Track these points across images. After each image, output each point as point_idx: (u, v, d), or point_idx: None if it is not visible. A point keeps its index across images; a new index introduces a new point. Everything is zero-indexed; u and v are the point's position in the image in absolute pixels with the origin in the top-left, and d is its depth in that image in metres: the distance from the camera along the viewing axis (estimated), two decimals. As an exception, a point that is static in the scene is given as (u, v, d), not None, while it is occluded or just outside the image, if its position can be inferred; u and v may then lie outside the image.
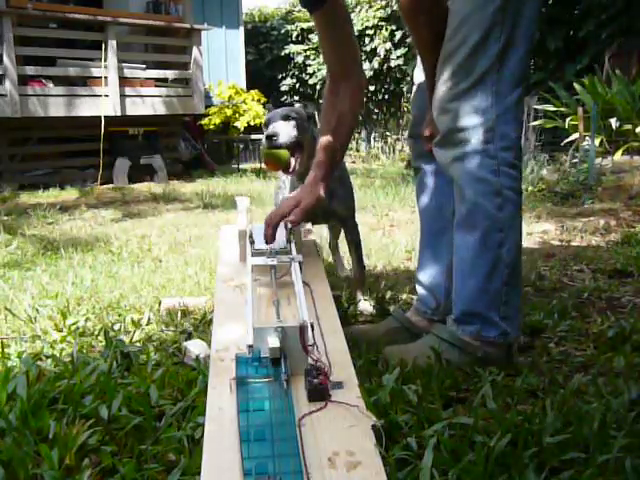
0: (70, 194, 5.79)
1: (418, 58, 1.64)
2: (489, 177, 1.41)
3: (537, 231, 3.38)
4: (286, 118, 1.80)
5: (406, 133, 11.02)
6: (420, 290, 1.73)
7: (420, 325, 1.69)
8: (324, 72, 10.80)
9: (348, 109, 1.60)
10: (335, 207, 1.90)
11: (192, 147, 7.81)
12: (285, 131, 1.77)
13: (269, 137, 1.75)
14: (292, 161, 1.77)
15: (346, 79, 1.61)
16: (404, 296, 2.13)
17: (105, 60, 6.42)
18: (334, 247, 2.47)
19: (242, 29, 9.28)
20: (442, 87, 1.44)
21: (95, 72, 6.44)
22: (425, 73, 1.57)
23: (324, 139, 1.57)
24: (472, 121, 1.40)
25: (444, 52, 1.43)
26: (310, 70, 11.10)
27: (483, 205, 1.42)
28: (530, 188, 4.79)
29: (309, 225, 1.73)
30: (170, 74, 7.11)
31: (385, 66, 10.20)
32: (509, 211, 1.42)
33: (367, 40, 10.20)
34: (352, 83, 1.62)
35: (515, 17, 1.36)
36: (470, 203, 1.43)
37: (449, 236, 1.58)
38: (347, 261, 2.54)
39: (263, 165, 1.69)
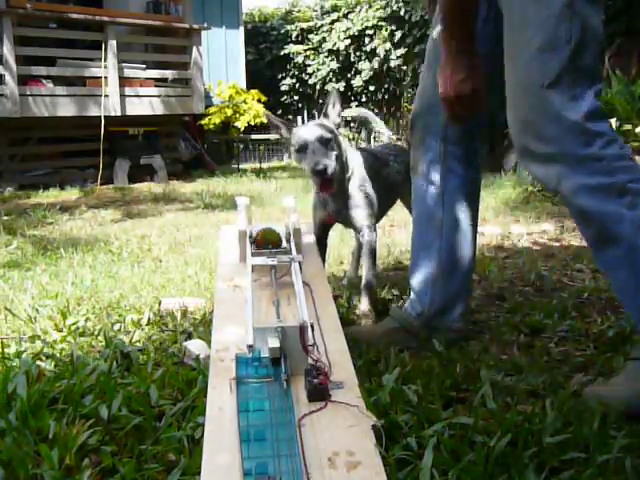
0: (70, 194, 5.79)
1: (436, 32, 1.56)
2: (605, 181, 1.24)
3: (537, 231, 3.38)
4: (326, 142, 1.74)
5: (406, 133, 11.03)
6: (411, 294, 1.74)
7: (417, 325, 1.69)
8: (324, 72, 10.82)
9: None
10: (351, 214, 1.90)
11: (192, 147, 7.81)
12: (331, 162, 1.72)
13: (319, 172, 1.69)
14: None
15: None
16: (404, 296, 2.13)
17: (105, 60, 6.42)
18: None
19: (242, 29, 9.28)
20: (516, 97, 1.32)
21: (95, 72, 6.44)
22: (448, 36, 1.44)
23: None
24: (559, 129, 1.26)
25: (508, 58, 1.32)
26: (310, 70, 11.09)
27: (613, 213, 1.24)
28: (530, 188, 4.78)
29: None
30: (170, 74, 7.11)
31: (385, 66, 10.20)
32: None
33: (367, 40, 10.20)
34: None
35: (584, 11, 1.23)
36: (599, 218, 1.26)
37: (437, 247, 1.61)
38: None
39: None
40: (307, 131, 1.78)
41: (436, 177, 1.64)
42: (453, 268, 1.66)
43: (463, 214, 1.65)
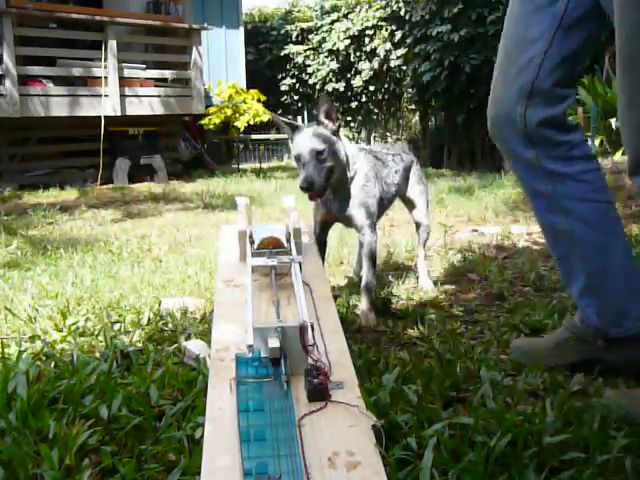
0: (70, 194, 5.79)
1: None
2: None
3: (537, 231, 3.37)
4: (318, 155, 1.77)
5: (406, 133, 11.02)
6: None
7: (593, 335, 1.49)
8: (323, 72, 10.83)
9: None
10: (352, 213, 1.91)
11: (192, 147, 7.81)
12: (318, 178, 1.76)
13: (303, 189, 1.75)
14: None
15: None
16: (404, 296, 2.14)
17: (105, 60, 6.42)
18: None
19: (242, 29, 9.28)
20: (632, 100, 1.17)
21: (95, 72, 6.44)
22: None
23: None
24: None
25: (624, 60, 1.17)
26: (310, 70, 11.10)
27: None
28: (530, 188, 4.79)
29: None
30: (170, 74, 7.11)
31: (385, 66, 10.20)
32: None
33: (367, 40, 10.21)
34: None
35: None
36: None
37: (579, 254, 1.44)
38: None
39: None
40: (301, 142, 1.79)
41: (540, 186, 1.45)
42: (603, 271, 1.44)
43: (590, 211, 1.43)
